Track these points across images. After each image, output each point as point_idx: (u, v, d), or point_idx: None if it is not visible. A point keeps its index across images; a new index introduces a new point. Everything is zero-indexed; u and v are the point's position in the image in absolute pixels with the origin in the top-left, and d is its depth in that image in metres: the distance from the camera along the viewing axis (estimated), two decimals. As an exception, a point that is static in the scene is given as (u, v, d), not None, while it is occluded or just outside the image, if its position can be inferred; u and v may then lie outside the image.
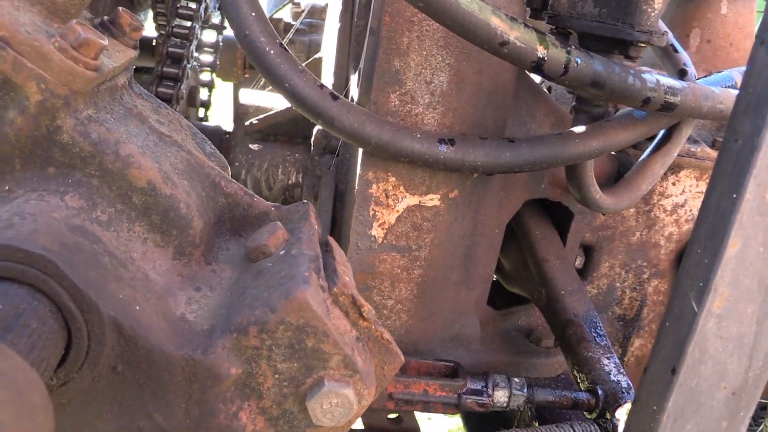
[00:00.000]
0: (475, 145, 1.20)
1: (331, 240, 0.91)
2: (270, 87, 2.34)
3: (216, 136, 1.83)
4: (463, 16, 1.00)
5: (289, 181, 1.67)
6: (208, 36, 2.14)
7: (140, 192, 0.81)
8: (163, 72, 1.72)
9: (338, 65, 1.54)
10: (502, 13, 1.03)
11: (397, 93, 1.23)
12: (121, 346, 0.74)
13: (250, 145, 1.65)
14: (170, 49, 1.76)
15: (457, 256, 1.38)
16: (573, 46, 1.09)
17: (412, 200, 1.29)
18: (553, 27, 1.34)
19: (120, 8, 0.93)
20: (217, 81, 2.26)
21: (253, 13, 1.13)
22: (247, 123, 1.67)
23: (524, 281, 1.64)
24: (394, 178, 1.27)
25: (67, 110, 0.77)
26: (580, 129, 1.27)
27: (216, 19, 2.23)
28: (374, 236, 1.31)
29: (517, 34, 1.03)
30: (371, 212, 1.29)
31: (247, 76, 2.37)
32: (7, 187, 0.78)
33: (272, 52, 1.13)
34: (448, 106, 1.25)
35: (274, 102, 1.87)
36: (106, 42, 0.76)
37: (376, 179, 1.27)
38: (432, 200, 1.30)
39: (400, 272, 1.34)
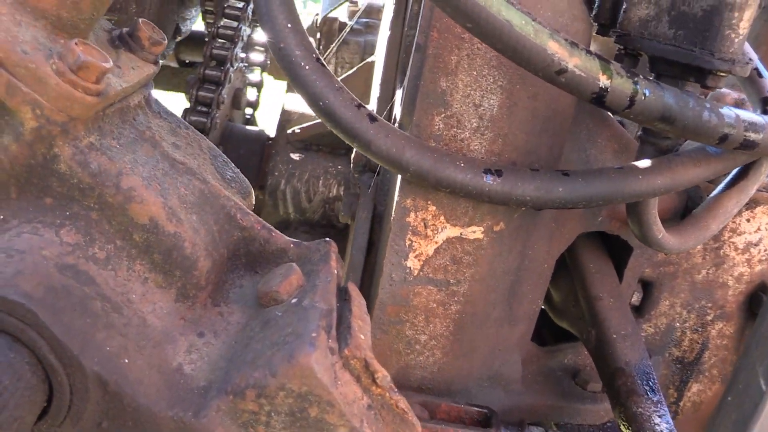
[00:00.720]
0: (525, 177, 1.09)
1: (352, 288, 0.82)
2: None
3: (258, 141, 1.77)
4: (516, 39, 0.89)
5: (330, 194, 1.60)
6: (260, 35, 2.07)
7: (142, 229, 0.74)
8: (205, 75, 1.67)
9: (385, 78, 1.44)
10: (562, 37, 0.91)
11: (443, 115, 1.12)
12: (107, 402, 0.68)
13: (292, 155, 1.58)
14: (214, 51, 1.70)
15: (499, 292, 1.27)
16: (641, 76, 0.96)
17: (452, 232, 1.19)
18: (622, 48, 1.21)
19: (141, 20, 0.86)
20: (269, 79, 2.20)
21: (289, 24, 1.05)
22: (289, 131, 1.60)
23: (574, 318, 1.52)
24: (434, 207, 1.17)
25: (65, 138, 0.71)
26: (644, 163, 1.14)
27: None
28: (410, 268, 1.21)
29: (576, 62, 0.91)
30: (408, 242, 1.19)
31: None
32: (1, 216, 0.72)
33: (307, 67, 1.04)
34: (498, 131, 1.14)
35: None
36: (109, 64, 0.69)
37: (414, 207, 1.17)
38: (474, 233, 1.19)
39: (435, 307, 1.25)
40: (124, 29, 0.86)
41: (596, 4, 1.33)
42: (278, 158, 1.61)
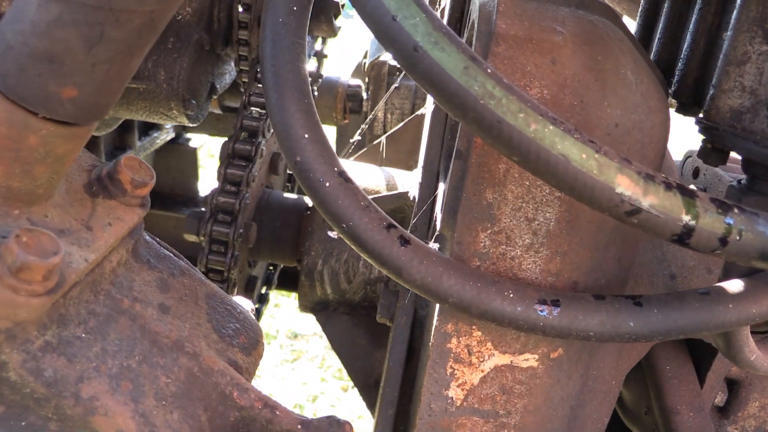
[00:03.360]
0: (587, 309, 0.91)
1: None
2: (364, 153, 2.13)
3: (295, 212, 1.64)
4: (574, 177, 0.72)
5: (371, 275, 1.45)
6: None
7: (107, 444, 0.61)
8: (235, 150, 1.54)
9: (428, 160, 1.28)
10: (634, 169, 0.73)
11: (489, 231, 0.96)
12: None
13: (329, 233, 1.44)
14: (245, 122, 1.58)
15: (557, 420, 1.10)
16: (735, 210, 0.77)
17: (501, 359, 1.02)
18: (708, 142, 1.02)
19: (124, 158, 0.73)
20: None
21: (307, 135, 0.90)
22: (326, 206, 1.46)
23: (646, 427, 1.33)
24: (479, 333, 1.01)
25: (11, 343, 0.58)
26: (735, 285, 0.94)
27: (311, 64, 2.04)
28: (451, 398, 1.05)
29: (653, 200, 0.73)
30: (449, 370, 1.03)
31: (347, 122, 2.17)
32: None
33: (328, 183, 0.90)
34: (556, 249, 0.96)
35: (367, 179, 1.65)
36: (58, 257, 0.56)
37: (456, 332, 1.01)
38: (528, 361, 1.02)
39: (482, 439, 1.08)
40: (105, 170, 0.74)
41: (676, 79, 1.13)
42: (314, 237, 1.48)
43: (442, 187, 1.16)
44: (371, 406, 1.47)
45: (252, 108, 1.59)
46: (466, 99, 0.70)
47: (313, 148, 0.90)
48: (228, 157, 1.53)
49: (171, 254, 0.81)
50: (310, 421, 0.75)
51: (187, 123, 1.58)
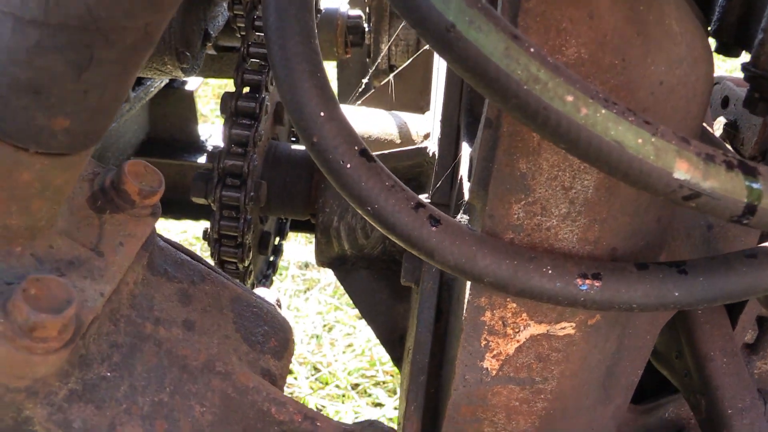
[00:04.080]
0: (630, 280, 0.86)
1: None
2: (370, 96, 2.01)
3: (305, 165, 1.57)
4: (629, 164, 0.65)
5: (389, 229, 1.39)
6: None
7: (147, 489, 0.58)
8: (238, 107, 1.44)
9: (447, 114, 1.20)
10: (693, 150, 0.66)
11: (523, 203, 0.90)
12: None
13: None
14: (245, 76, 1.46)
15: (593, 381, 1.08)
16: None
17: (537, 329, 0.99)
18: (755, 89, 0.94)
19: (127, 165, 0.66)
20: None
21: (322, 113, 0.83)
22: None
23: (677, 372, 1.31)
24: (514, 305, 0.97)
25: (34, 399, 0.54)
26: (786, 244, 0.89)
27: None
28: (486, 368, 1.02)
29: (714, 184, 0.67)
30: (483, 343, 1.00)
31: (348, 55, 2.04)
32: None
33: (349, 165, 0.83)
34: (594, 216, 0.90)
35: (377, 128, 1.56)
36: (72, 306, 0.51)
37: (490, 306, 0.97)
38: (564, 329, 0.99)
39: (518, 405, 1.06)
40: (108, 179, 0.67)
41: (716, 16, 1.04)
42: (328, 194, 1.41)
43: (466, 148, 1.08)
44: (397, 360, 1.46)
45: (252, 60, 1.48)
46: (507, 84, 0.62)
47: (330, 126, 0.83)
48: (231, 116, 1.44)
49: (188, 258, 0.76)
50: (352, 429, 0.72)
51: (182, 76, 1.49)
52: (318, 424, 0.71)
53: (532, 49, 0.62)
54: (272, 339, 0.78)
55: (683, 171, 0.66)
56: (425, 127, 1.54)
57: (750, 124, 1.37)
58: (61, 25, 0.52)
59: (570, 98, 0.63)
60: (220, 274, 0.79)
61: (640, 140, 0.64)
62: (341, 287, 4.02)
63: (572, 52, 0.81)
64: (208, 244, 1.58)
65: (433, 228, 0.85)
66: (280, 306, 0.86)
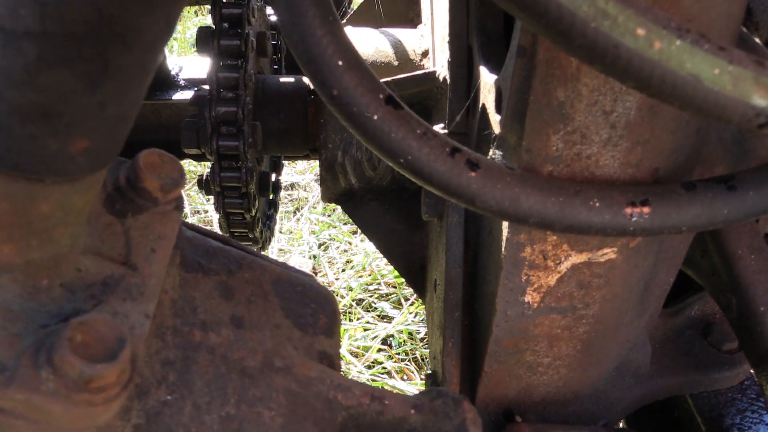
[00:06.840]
0: (680, 203, 0.82)
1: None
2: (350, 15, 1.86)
3: (297, 98, 1.46)
4: (704, 97, 0.59)
5: (396, 157, 1.32)
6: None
7: None
8: (222, 47, 1.31)
9: (455, 33, 1.10)
10: (768, 74, 0.60)
11: (561, 133, 0.83)
12: None
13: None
14: (224, 11, 1.32)
15: (632, 299, 1.06)
16: None
17: (579, 258, 0.95)
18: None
19: (141, 157, 0.59)
20: None
21: (341, 62, 0.74)
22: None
23: (703, 270, 1.30)
24: (554, 237, 0.93)
25: (99, 444, 0.49)
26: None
27: None
28: (528, 302, 0.99)
29: (793, 108, 0.61)
30: (524, 278, 0.96)
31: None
32: None
33: (376, 116, 0.76)
34: (637, 139, 0.85)
35: (372, 49, 1.45)
36: (127, 348, 0.45)
37: (530, 241, 0.93)
38: (606, 254, 0.95)
39: (560, 332, 1.05)
40: (123, 177, 0.59)
41: None
42: (329, 128, 1.32)
43: (484, 73, 1.00)
44: (419, 290, 1.43)
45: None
46: (572, 23, 0.54)
47: (351, 76, 0.75)
48: (217, 57, 1.31)
49: (220, 243, 0.69)
50: (422, 402, 0.68)
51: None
52: (386, 402, 0.67)
53: (596, -21, 0.54)
54: (321, 316, 0.73)
55: (761, 97, 0.59)
56: (422, 44, 1.43)
57: (765, 7, 1.29)
58: (65, 35, 0.42)
59: (642, 32, 0.55)
60: (253, 255, 0.72)
61: (716, 71, 0.57)
62: (331, 204, 3.97)
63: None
64: (214, 199, 1.49)
65: (472, 173, 0.78)
66: (316, 273, 0.81)
